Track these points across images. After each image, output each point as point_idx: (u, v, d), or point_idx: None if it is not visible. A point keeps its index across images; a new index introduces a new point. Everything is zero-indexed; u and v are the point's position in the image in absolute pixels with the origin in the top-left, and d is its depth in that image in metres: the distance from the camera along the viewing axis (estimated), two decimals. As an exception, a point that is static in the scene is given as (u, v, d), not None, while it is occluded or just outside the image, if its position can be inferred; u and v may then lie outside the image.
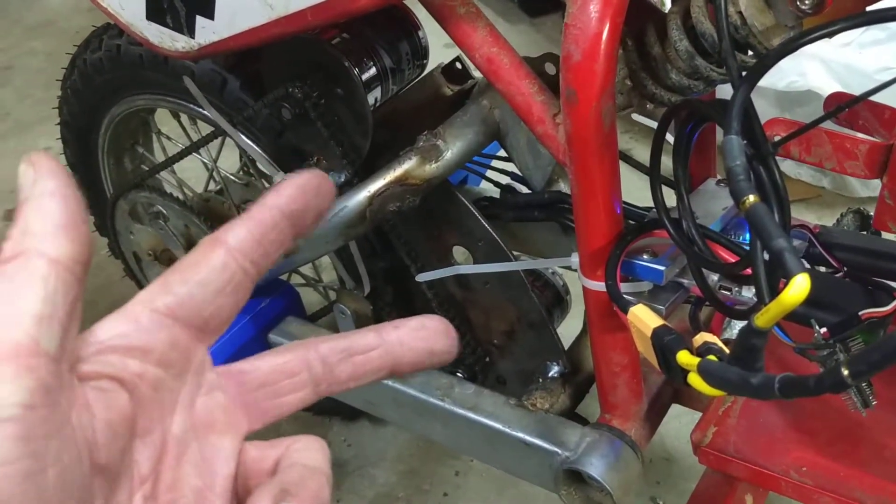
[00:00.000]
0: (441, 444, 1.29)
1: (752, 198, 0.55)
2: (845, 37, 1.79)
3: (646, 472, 1.23)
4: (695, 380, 0.63)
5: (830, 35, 0.66)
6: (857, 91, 1.24)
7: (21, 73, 2.83)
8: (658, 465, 1.49)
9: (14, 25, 3.09)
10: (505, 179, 1.16)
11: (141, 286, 1.55)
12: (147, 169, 1.37)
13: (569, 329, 1.12)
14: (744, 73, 0.67)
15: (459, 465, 1.53)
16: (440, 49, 1.15)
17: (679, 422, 1.46)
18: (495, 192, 1.15)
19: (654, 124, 2.05)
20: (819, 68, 1.80)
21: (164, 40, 0.95)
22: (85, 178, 1.50)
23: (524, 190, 1.11)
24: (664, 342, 0.68)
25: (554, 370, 1.05)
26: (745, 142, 0.61)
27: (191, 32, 0.92)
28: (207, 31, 0.91)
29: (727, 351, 0.65)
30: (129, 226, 1.40)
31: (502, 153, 1.10)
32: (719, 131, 0.97)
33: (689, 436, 1.45)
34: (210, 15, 0.89)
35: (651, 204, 0.92)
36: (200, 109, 1.19)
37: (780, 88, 1.82)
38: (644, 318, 0.71)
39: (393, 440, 1.59)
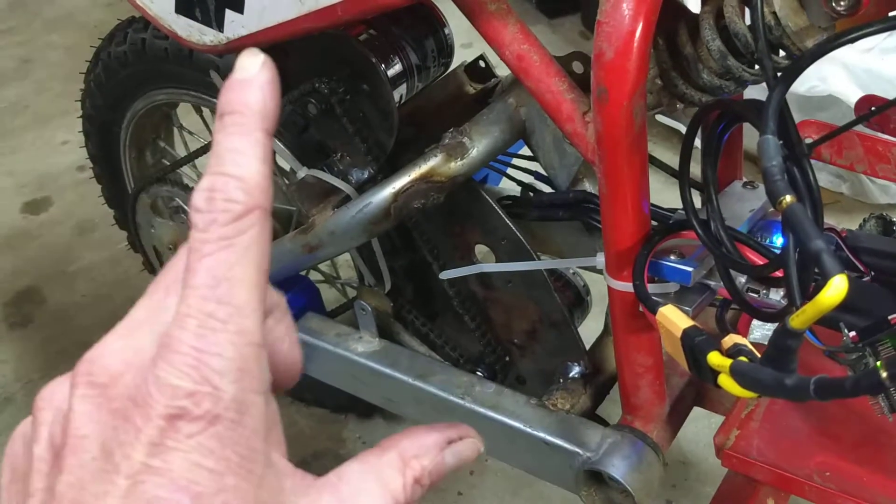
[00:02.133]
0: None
1: (789, 198, 0.55)
2: (867, 42, 1.78)
3: (663, 475, 1.23)
4: (726, 381, 0.63)
5: (866, 37, 0.66)
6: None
7: (40, 66, 2.85)
8: (674, 468, 1.49)
9: (34, 19, 3.11)
10: (522, 178, 1.16)
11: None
12: (169, 163, 1.37)
13: (588, 330, 1.12)
14: (779, 74, 0.67)
15: (474, 465, 1.53)
16: (456, 49, 1.15)
17: (696, 425, 1.46)
18: (516, 191, 1.15)
19: (676, 125, 2.05)
20: (841, 73, 1.79)
21: (192, 34, 0.95)
22: (106, 171, 1.50)
23: (545, 189, 1.10)
24: (694, 343, 0.67)
25: (575, 370, 1.04)
26: (780, 142, 0.61)
27: (219, 26, 0.92)
28: (236, 26, 0.91)
29: (757, 353, 0.65)
30: (150, 219, 1.41)
31: (524, 152, 1.10)
32: (746, 134, 0.97)
33: (705, 439, 1.45)
34: (239, 9, 0.89)
35: (672, 205, 0.92)
36: (224, 104, 1.19)
37: (800, 93, 1.82)
38: (673, 319, 0.71)
39: (408, 438, 1.58)
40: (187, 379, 0.30)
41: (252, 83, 0.33)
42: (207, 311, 0.31)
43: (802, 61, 0.67)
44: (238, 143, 0.32)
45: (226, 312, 0.31)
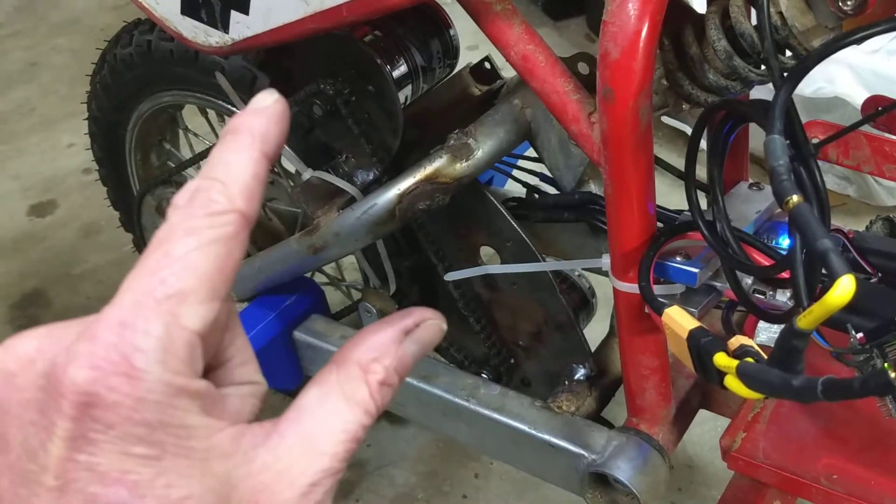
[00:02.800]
0: (465, 445, 1.29)
1: (795, 198, 0.54)
2: (874, 43, 1.78)
3: (668, 478, 1.23)
4: (732, 382, 0.62)
5: (873, 37, 0.65)
6: (887, 97, 1.23)
7: (46, 69, 2.85)
8: (680, 472, 1.48)
9: (40, 23, 3.12)
10: (528, 179, 1.15)
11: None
12: (174, 165, 1.37)
13: (594, 332, 1.12)
14: (785, 74, 0.66)
15: (479, 468, 1.52)
16: (462, 51, 1.15)
17: (701, 428, 1.45)
18: (521, 192, 1.15)
19: (681, 126, 2.05)
20: (847, 75, 1.78)
21: (197, 35, 0.95)
22: (112, 173, 1.50)
23: (551, 190, 1.10)
24: (701, 344, 0.67)
25: (580, 373, 1.04)
26: (787, 142, 0.60)
27: (225, 27, 0.92)
28: (241, 27, 0.91)
29: (764, 354, 0.65)
30: (155, 222, 1.41)
31: (529, 153, 1.10)
32: (752, 135, 0.97)
33: (711, 443, 1.44)
34: (245, 10, 0.89)
35: (678, 206, 0.91)
36: (229, 106, 1.19)
37: (806, 94, 1.81)
38: (679, 320, 0.71)
39: (413, 441, 1.58)
40: (103, 358, 0.28)
41: (261, 111, 0.34)
42: (147, 288, 0.29)
43: (809, 61, 0.66)
44: (231, 157, 0.32)
45: (165, 292, 0.29)
